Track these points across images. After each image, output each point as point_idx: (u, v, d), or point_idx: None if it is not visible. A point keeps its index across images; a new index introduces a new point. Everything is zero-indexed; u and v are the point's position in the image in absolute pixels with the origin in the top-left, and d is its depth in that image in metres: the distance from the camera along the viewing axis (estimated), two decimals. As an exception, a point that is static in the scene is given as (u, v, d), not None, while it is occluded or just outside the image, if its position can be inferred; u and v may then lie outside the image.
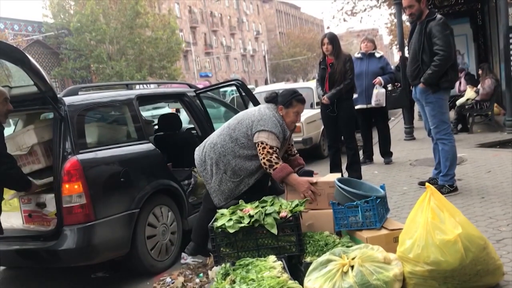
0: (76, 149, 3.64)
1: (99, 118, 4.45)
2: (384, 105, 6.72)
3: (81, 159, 3.60)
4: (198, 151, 4.00)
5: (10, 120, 5.15)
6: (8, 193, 3.90)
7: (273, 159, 3.63)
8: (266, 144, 3.65)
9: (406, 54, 7.70)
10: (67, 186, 3.52)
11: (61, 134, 3.67)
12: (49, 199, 3.87)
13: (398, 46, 9.22)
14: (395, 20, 10.76)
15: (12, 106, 3.43)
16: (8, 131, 3.97)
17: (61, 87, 33.60)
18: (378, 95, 6.59)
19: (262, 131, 3.69)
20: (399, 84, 8.19)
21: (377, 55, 6.85)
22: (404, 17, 9.84)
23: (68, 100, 3.85)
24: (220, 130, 3.96)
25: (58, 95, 3.79)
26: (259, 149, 3.67)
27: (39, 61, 33.70)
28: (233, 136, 3.79)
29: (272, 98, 3.93)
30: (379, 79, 6.60)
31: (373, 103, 6.63)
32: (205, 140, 4.05)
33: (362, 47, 6.90)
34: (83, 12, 34.20)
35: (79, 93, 4.17)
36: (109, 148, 3.98)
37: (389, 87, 7.63)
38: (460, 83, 9.80)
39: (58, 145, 3.66)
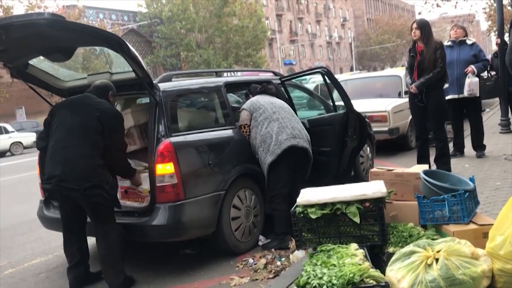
0: (169, 132, 3.87)
1: (190, 103, 4.68)
2: (477, 95, 6.39)
3: (173, 142, 3.82)
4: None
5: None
6: None
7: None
8: None
9: (506, 40, 7.19)
10: (160, 166, 3.75)
11: (155, 118, 3.91)
12: (144, 177, 4.15)
13: (497, 32, 8.61)
14: (495, 5, 10.04)
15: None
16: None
17: (153, 74, 35.31)
18: (471, 84, 6.28)
19: None
20: (494, 73, 7.68)
21: (469, 42, 6.53)
22: (505, 0, 9.16)
23: (162, 86, 4.09)
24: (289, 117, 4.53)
25: (154, 81, 4.04)
26: None
27: (134, 49, 35.62)
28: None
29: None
30: (472, 67, 6.30)
31: (465, 93, 6.33)
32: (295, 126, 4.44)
33: (452, 34, 6.61)
34: (174, 1, 35.60)
35: (172, 79, 4.41)
36: (199, 132, 4.18)
37: (484, 75, 7.20)
38: None
39: (152, 128, 3.90)
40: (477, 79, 6.38)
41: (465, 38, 6.51)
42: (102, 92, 3.79)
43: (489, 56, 8.01)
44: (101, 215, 3.59)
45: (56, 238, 5.11)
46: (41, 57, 4.13)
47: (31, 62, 4.12)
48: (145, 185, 4.04)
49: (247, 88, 4.91)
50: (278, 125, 4.32)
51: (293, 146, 4.27)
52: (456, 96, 6.41)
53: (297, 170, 4.47)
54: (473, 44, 6.57)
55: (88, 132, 3.50)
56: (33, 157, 7.21)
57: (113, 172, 3.66)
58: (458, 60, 6.38)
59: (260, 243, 4.36)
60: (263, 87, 4.76)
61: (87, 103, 3.65)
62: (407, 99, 6.14)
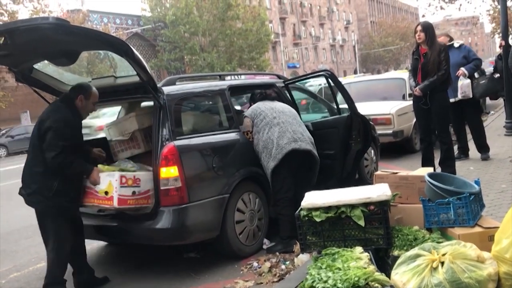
0: (173, 136, 3.87)
1: (194, 107, 4.69)
2: (470, 96, 6.44)
3: (177, 145, 3.83)
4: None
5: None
6: None
7: None
8: None
9: (511, 42, 7.16)
10: (164, 170, 3.76)
11: (159, 121, 3.92)
12: (103, 177, 4.01)
13: (501, 34, 8.59)
14: (499, 7, 10.01)
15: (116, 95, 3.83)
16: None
17: (157, 78, 35.40)
18: (463, 86, 6.35)
19: None
20: (498, 75, 7.65)
21: (456, 45, 6.56)
22: (509, 3, 9.14)
23: (166, 89, 4.10)
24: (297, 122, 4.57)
25: (158, 85, 4.05)
26: None
27: (138, 52, 35.75)
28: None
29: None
30: (462, 70, 6.36)
31: (459, 96, 6.39)
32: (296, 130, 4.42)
33: None
34: (178, 5, 35.71)
35: (176, 83, 4.42)
36: (203, 136, 4.19)
37: (476, 75, 7.21)
38: None
39: (157, 131, 3.91)
40: (468, 80, 6.42)
41: (451, 42, 6.52)
42: (70, 97, 3.71)
43: (493, 58, 7.99)
44: (46, 224, 3.54)
45: (61, 242, 5.12)
46: (46, 61, 4.15)
47: (36, 66, 4.14)
48: (102, 185, 3.64)
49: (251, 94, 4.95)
50: (279, 129, 4.32)
51: (294, 150, 4.26)
52: (452, 100, 6.41)
53: (301, 173, 4.47)
54: (460, 46, 6.62)
55: (32, 140, 3.61)
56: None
57: (68, 175, 3.52)
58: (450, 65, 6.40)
59: (264, 246, 4.36)
60: (263, 93, 4.77)
61: (43, 113, 3.64)
62: (411, 102, 6.13)
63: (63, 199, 3.52)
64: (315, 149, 4.49)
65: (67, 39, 3.47)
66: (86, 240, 3.94)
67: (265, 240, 4.42)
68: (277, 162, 4.20)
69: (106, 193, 3.60)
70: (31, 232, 5.90)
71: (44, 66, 4.26)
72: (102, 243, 5.09)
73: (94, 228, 4.12)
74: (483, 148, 6.62)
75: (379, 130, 7.24)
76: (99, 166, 3.78)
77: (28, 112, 30.83)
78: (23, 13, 28.76)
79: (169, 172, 3.75)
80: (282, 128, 4.35)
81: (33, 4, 25.84)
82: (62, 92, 4.49)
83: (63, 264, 3.60)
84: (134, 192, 3.67)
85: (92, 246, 5.08)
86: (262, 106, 4.56)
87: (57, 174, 3.47)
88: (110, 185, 3.58)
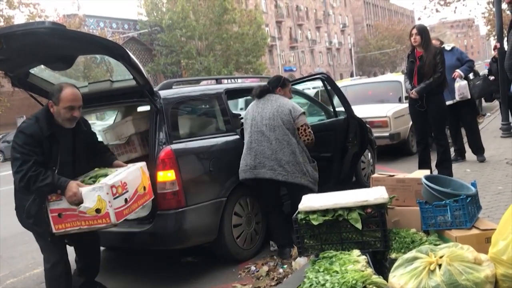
0: (170, 139, 3.87)
1: (190, 110, 4.68)
2: (469, 97, 6.51)
3: (174, 149, 3.82)
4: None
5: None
6: None
7: (312, 136, 4.11)
8: (306, 125, 4.08)
9: (505, 46, 7.19)
10: (161, 174, 3.75)
11: (156, 125, 3.91)
12: (86, 192, 3.92)
13: (496, 37, 8.63)
14: (494, 9, 10.06)
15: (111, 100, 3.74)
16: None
17: (154, 82, 35.40)
18: (461, 88, 6.41)
19: (300, 116, 4.05)
20: (493, 78, 7.69)
21: (448, 48, 6.63)
22: (504, 5, 9.18)
23: (163, 93, 4.10)
24: (266, 138, 4.02)
25: (154, 89, 4.05)
26: (302, 131, 4.05)
27: (135, 57, 35.79)
28: (286, 131, 4.01)
29: (266, 90, 4.23)
30: (458, 71, 6.44)
31: (457, 97, 6.45)
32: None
33: None
34: (175, 9, 35.75)
35: (173, 87, 4.42)
36: (200, 139, 4.18)
37: (471, 76, 7.26)
38: None
39: (153, 135, 3.91)
40: (465, 82, 6.50)
41: (443, 46, 6.57)
42: (46, 105, 3.25)
43: (489, 61, 8.04)
44: (37, 240, 3.31)
45: (58, 247, 5.10)
46: (42, 66, 4.14)
47: (32, 71, 4.13)
48: (88, 203, 2.98)
49: (266, 91, 4.34)
50: (246, 145, 4.11)
51: (247, 179, 4.05)
52: (450, 102, 6.44)
53: (271, 197, 4.24)
54: (452, 48, 6.71)
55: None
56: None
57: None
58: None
59: (272, 248, 4.36)
60: (257, 91, 4.27)
61: None
62: (407, 105, 6.15)
63: (36, 226, 3.14)
64: (292, 173, 3.95)
65: (63, 44, 3.46)
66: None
67: (271, 242, 4.41)
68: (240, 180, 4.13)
69: (98, 210, 2.97)
70: (28, 238, 5.87)
71: (41, 71, 4.25)
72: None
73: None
74: (478, 150, 6.65)
75: (376, 132, 7.26)
76: (96, 169, 3.72)
77: (25, 117, 30.71)
78: (19, 18, 28.75)
79: (166, 176, 3.74)
80: (248, 146, 4.07)
81: (29, 9, 25.85)
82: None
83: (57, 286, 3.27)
84: (126, 200, 3.13)
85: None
86: (251, 108, 4.24)
87: (27, 194, 3.08)
88: (100, 200, 2.96)
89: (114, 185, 3.04)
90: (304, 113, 4.11)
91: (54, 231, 3.09)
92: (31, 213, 3.11)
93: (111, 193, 3.00)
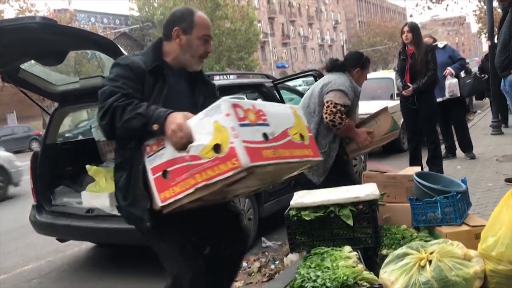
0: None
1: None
2: (458, 95, 6.55)
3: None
4: None
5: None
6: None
7: (336, 119, 3.60)
8: (331, 103, 3.62)
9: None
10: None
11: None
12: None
13: (487, 34, 8.70)
14: (485, 7, 10.13)
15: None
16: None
17: (145, 77, 35.20)
18: (451, 85, 6.46)
19: (330, 92, 3.67)
20: (486, 76, 7.76)
21: (440, 45, 6.69)
22: (495, 3, 9.24)
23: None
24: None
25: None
26: (324, 108, 3.65)
27: (126, 52, 35.60)
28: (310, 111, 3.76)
29: (339, 66, 3.83)
30: (449, 69, 6.48)
31: (447, 95, 6.49)
32: None
33: None
34: (166, 5, 35.59)
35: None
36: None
37: (462, 74, 7.33)
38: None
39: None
40: (456, 80, 6.55)
41: (435, 43, 6.62)
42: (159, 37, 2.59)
43: (480, 58, 8.12)
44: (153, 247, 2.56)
45: (48, 244, 5.08)
46: (33, 61, 4.12)
47: (22, 66, 4.10)
48: (202, 139, 1.83)
49: (338, 66, 3.98)
50: None
51: None
52: (440, 99, 6.49)
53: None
54: (445, 46, 6.77)
55: None
56: (25, 161, 7.17)
57: None
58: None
59: (263, 244, 4.37)
60: (325, 63, 4.02)
61: None
62: (398, 102, 6.18)
63: (132, 208, 2.11)
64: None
65: (54, 39, 3.44)
66: (73, 242, 3.88)
67: (263, 239, 4.43)
68: None
69: (217, 148, 1.77)
70: (18, 234, 5.84)
71: (31, 66, 4.22)
72: (90, 245, 5.05)
73: (82, 229, 4.09)
74: (467, 147, 6.71)
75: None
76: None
77: (15, 113, 30.50)
78: (9, 13, 28.45)
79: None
80: None
81: (19, 4, 25.58)
82: (50, 92, 4.46)
83: None
84: (265, 136, 1.86)
85: (81, 248, 5.05)
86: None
87: (122, 170, 2.12)
88: (218, 129, 1.78)
89: (240, 105, 1.84)
90: (341, 90, 3.66)
91: (160, 204, 1.93)
92: (124, 187, 2.09)
93: (235, 115, 1.79)
